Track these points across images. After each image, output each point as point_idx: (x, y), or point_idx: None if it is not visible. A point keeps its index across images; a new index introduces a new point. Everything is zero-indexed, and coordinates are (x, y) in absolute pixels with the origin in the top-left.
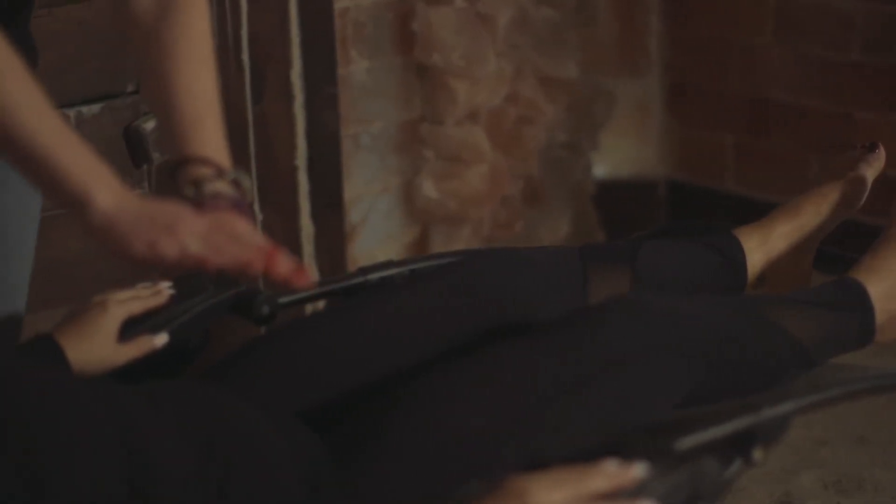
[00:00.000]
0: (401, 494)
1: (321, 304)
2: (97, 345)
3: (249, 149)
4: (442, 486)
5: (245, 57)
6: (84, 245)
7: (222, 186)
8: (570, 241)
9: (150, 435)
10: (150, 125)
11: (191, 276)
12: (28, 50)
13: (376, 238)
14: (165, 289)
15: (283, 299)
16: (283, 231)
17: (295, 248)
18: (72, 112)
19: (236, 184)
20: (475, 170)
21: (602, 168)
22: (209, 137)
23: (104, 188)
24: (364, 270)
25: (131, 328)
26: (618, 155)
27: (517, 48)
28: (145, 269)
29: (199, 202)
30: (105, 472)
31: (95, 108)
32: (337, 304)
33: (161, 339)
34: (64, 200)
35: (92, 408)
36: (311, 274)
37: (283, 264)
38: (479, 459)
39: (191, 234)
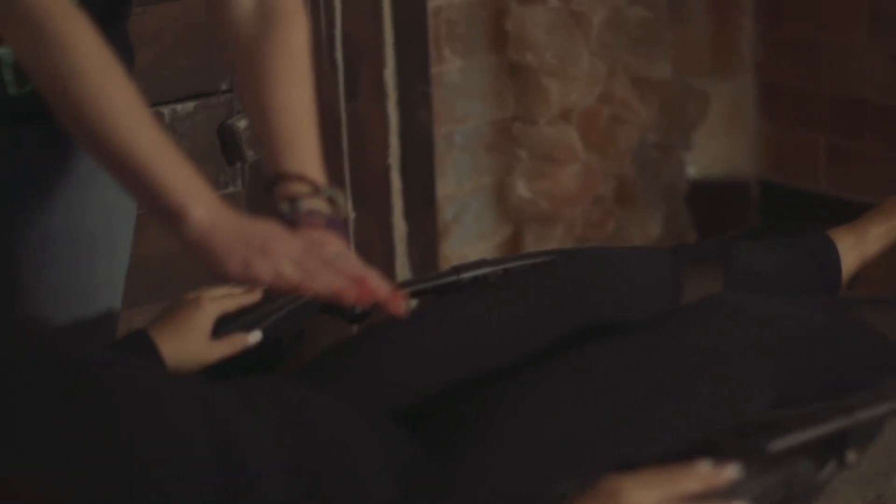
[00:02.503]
0: (496, 495)
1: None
2: (191, 342)
3: (342, 147)
4: (536, 485)
5: (338, 55)
6: (177, 243)
7: (317, 204)
8: (662, 242)
9: (244, 433)
10: (243, 123)
11: None
12: (125, 50)
13: (468, 237)
14: (258, 287)
15: None
16: (375, 230)
17: (387, 247)
18: (166, 110)
19: (331, 201)
20: (568, 169)
21: (694, 168)
22: (305, 155)
23: (201, 203)
24: (457, 269)
25: (225, 325)
26: (710, 155)
27: (610, 47)
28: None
29: (294, 219)
30: (198, 470)
31: (189, 105)
32: (430, 303)
33: (254, 337)
34: (161, 214)
35: (186, 405)
36: (404, 300)
37: (378, 289)
38: (572, 459)
39: (285, 256)
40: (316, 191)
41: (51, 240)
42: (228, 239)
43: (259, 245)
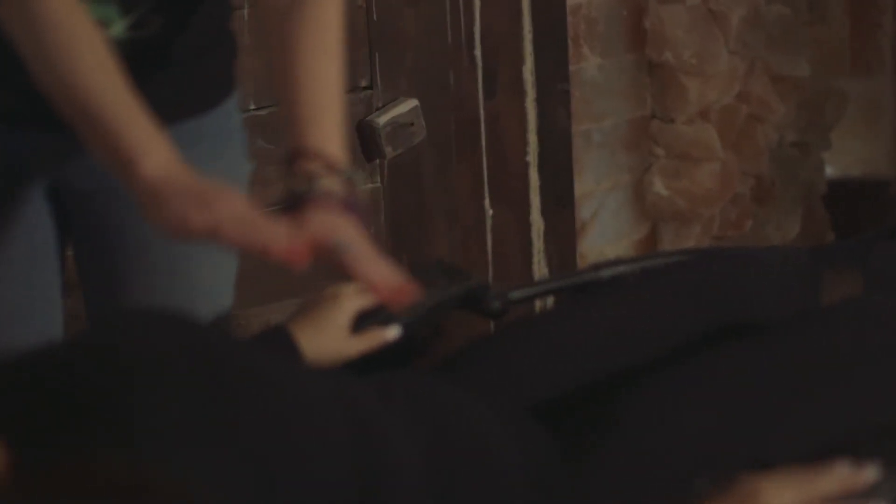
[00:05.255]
0: (631, 494)
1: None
2: (329, 337)
3: (481, 144)
4: (672, 485)
5: (477, 53)
6: None
7: (334, 184)
8: (800, 241)
9: (382, 429)
10: (382, 120)
11: (422, 271)
12: (230, 43)
13: (605, 235)
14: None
15: (514, 295)
16: (513, 227)
17: (525, 244)
18: None
19: (349, 182)
20: (705, 168)
21: (832, 168)
22: (327, 131)
23: (153, 156)
24: (596, 267)
25: (363, 321)
26: (849, 155)
27: (749, 46)
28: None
29: (308, 199)
30: (337, 464)
31: None
32: (568, 301)
33: (393, 333)
34: (114, 164)
35: (326, 399)
36: (409, 297)
37: (383, 280)
38: (710, 459)
39: (225, 211)
40: (333, 170)
41: (145, 245)
42: (172, 193)
43: (199, 200)
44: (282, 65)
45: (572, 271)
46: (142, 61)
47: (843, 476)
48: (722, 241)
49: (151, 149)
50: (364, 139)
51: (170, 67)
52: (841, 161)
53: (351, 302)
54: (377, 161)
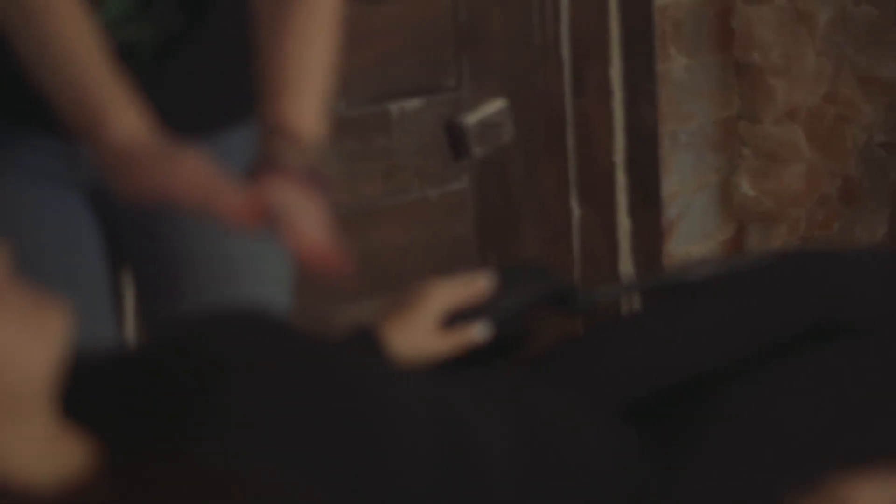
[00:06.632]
0: (722, 496)
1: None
2: (418, 337)
3: (567, 144)
4: (763, 487)
5: (565, 52)
6: (405, 237)
7: (299, 158)
8: (887, 242)
9: (473, 430)
10: (470, 120)
11: (511, 270)
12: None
13: (692, 235)
14: (486, 280)
15: (601, 294)
16: (600, 227)
17: (611, 244)
18: (393, 107)
19: (315, 157)
20: (792, 168)
21: None
22: (299, 107)
23: (122, 120)
24: (683, 268)
25: (452, 320)
26: None
27: (837, 46)
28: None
29: (273, 170)
30: (423, 471)
31: (417, 102)
32: (655, 302)
33: (482, 331)
34: (83, 126)
35: (413, 403)
36: (342, 265)
37: (316, 244)
38: (802, 461)
39: (177, 175)
40: (297, 143)
41: (190, 252)
42: (137, 156)
43: (161, 164)
44: (266, 47)
45: (659, 272)
46: (167, 67)
47: None
48: (809, 241)
49: (121, 112)
50: (452, 139)
51: (197, 75)
52: None
53: (439, 301)
54: (465, 161)
